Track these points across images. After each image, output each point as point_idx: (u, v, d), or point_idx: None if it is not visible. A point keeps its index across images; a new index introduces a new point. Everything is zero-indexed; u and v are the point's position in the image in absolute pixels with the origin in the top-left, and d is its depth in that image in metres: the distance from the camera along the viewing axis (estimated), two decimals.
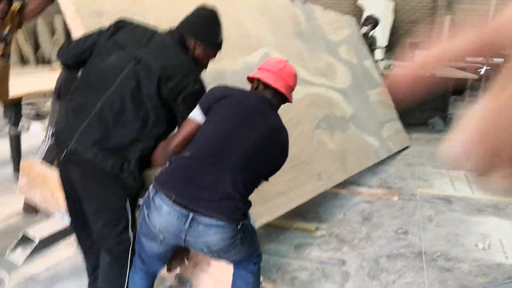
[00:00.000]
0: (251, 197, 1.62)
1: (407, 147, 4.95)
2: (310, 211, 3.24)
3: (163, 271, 1.94)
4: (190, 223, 1.48)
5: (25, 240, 2.57)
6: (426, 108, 5.90)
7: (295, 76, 1.77)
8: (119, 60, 1.65)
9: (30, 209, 2.98)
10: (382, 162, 4.28)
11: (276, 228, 2.92)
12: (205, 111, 1.62)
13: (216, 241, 1.51)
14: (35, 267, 2.45)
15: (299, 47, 3.57)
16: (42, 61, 9.07)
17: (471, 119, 0.22)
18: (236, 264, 1.74)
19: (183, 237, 1.51)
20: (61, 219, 2.54)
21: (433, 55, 0.27)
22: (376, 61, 5.37)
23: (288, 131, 1.71)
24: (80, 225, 1.87)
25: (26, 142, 3.72)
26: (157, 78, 1.62)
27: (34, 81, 4.48)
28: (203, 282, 2.03)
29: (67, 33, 2.20)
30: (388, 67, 6.15)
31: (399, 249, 2.82)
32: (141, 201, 1.67)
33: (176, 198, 1.48)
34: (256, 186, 1.65)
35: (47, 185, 2.51)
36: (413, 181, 4.07)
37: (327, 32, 4.22)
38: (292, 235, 2.93)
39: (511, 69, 0.22)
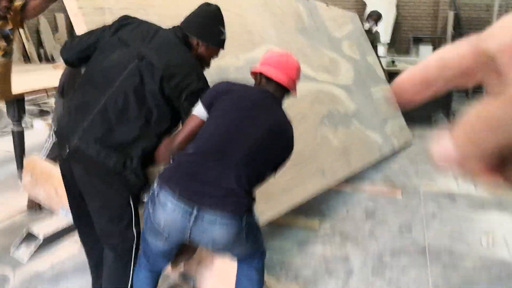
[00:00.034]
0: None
1: (410, 144, 4.94)
2: (314, 208, 3.24)
3: (167, 269, 1.94)
4: (194, 220, 1.48)
5: (29, 237, 2.58)
6: (430, 104, 5.87)
7: (298, 69, 1.76)
8: (123, 57, 1.65)
9: (34, 207, 2.99)
10: (385, 158, 4.27)
11: (279, 225, 2.92)
12: (208, 107, 1.62)
13: (221, 237, 1.51)
14: (39, 264, 2.46)
15: (302, 43, 3.55)
16: (45, 58, 9.09)
17: (466, 119, 0.22)
18: (240, 261, 1.74)
19: (188, 234, 1.51)
20: (65, 216, 2.55)
21: (436, 59, 0.26)
22: (379, 57, 5.34)
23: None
24: (83, 222, 1.87)
25: (30, 139, 3.73)
26: (160, 75, 1.61)
27: (37, 78, 4.48)
28: (207, 279, 2.03)
29: (71, 29, 2.20)
30: (391, 64, 6.13)
31: (403, 245, 2.81)
32: (145, 198, 1.67)
33: (180, 194, 1.47)
34: (262, 181, 1.64)
35: (51, 183, 2.51)
36: (417, 177, 4.06)
37: (330, 28, 4.20)
38: (296, 232, 2.93)
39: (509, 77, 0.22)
